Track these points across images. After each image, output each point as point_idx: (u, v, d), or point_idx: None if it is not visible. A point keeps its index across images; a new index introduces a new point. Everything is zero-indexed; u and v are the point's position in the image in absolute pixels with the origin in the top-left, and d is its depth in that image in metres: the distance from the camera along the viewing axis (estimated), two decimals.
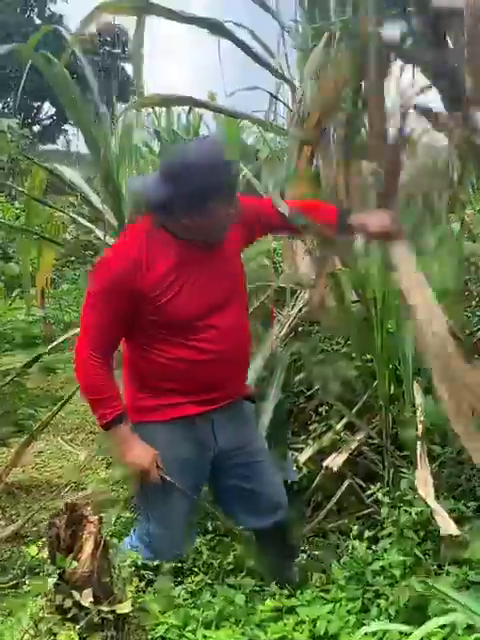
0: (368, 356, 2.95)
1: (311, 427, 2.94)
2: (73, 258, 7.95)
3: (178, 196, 1.77)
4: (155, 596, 1.79)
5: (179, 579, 2.15)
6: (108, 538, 1.59)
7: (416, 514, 2.02)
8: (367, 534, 2.19)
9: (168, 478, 1.96)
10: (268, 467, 2.21)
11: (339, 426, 2.77)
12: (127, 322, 1.91)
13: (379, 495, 2.02)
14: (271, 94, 5.21)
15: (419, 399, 2.48)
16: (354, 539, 2.06)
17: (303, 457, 2.72)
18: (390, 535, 2.18)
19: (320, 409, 3.01)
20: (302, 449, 2.82)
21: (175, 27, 2.90)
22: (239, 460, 2.09)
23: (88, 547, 1.55)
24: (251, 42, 4.00)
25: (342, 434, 2.71)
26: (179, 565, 2.38)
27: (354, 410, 2.84)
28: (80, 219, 4.15)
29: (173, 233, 1.89)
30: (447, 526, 1.88)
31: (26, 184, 3.84)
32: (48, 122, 30.39)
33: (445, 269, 3.80)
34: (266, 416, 2.65)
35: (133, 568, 1.68)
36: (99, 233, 3.72)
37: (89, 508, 1.62)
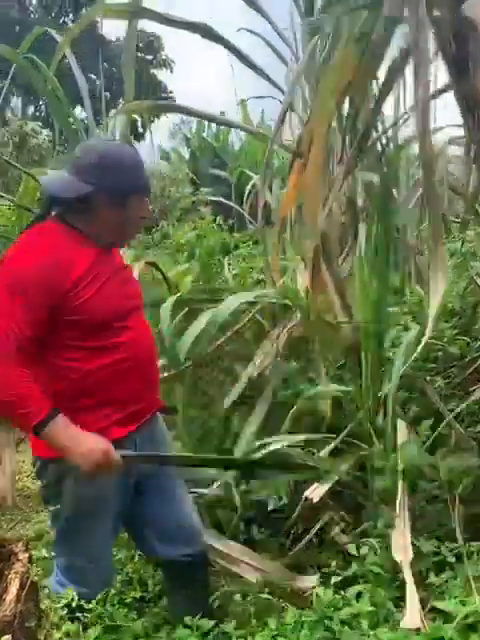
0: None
1: None
2: None
3: (100, 189, 1.76)
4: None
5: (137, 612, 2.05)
6: (37, 578, 1.45)
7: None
8: (343, 574, 2.07)
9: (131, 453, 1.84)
10: (184, 494, 2.15)
11: (323, 453, 2.62)
12: (43, 323, 1.74)
13: (342, 538, 1.86)
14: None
15: (401, 437, 2.31)
16: (321, 583, 1.92)
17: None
18: (363, 578, 2.05)
19: None
20: None
21: None
22: (158, 482, 2.02)
23: (14, 588, 1.44)
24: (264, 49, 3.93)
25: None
26: (142, 596, 2.28)
27: (340, 437, 2.68)
28: None
29: (83, 232, 1.83)
30: (413, 619, 1.69)
31: (18, 191, 3.78)
32: None
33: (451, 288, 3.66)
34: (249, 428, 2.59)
35: (66, 610, 1.54)
36: None
37: (21, 544, 1.50)
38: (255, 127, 19.13)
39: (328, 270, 2.83)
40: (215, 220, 7.03)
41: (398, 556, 1.87)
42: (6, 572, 1.46)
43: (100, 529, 1.96)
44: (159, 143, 23.00)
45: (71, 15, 27.41)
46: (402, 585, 1.94)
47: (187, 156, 21.77)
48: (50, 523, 2.04)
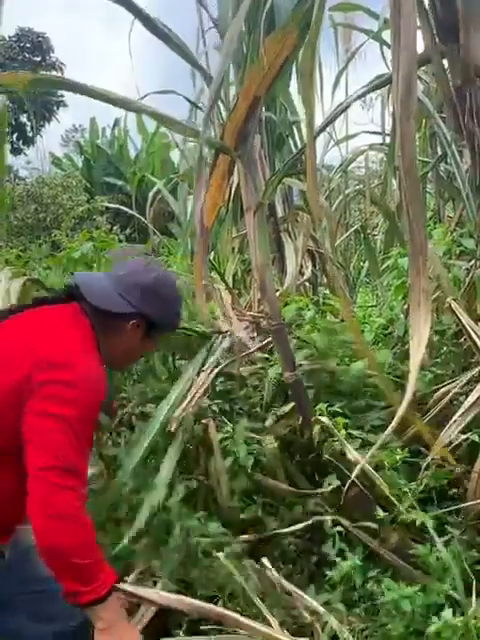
0: None
1: None
2: None
3: (140, 315, 1.65)
4: None
5: None
6: None
7: None
8: None
9: None
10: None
11: None
12: None
13: None
14: (189, 100, 4.63)
15: None
16: None
17: None
18: None
19: None
20: None
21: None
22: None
23: None
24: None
25: None
26: None
27: None
28: None
29: (98, 342, 1.60)
30: None
31: None
32: None
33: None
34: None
35: None
36: None
37: None
38: (151, 134, 18.63)
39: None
40: (112, 230, 6.37)
41: None
42: None
43: None
44: (49, 150, 21.93)
45: None
46: None
47: (80, 164, 20.80)
48: None
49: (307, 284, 4.09)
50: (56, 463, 1.36)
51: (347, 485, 1.95)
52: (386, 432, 1.49)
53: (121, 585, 1.58)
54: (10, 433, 1.41)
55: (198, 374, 2.59)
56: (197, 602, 1.66)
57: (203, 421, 2.36)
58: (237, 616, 1.60)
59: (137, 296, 1.63)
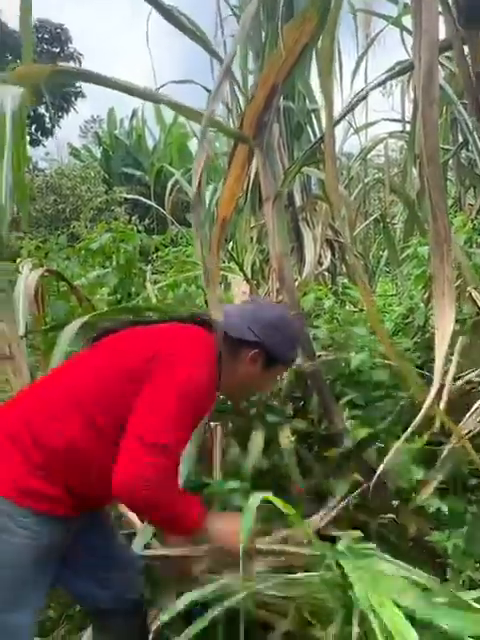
0: None
1: None
2: None
3: (261, 344, 1.75)
4: None
5: None
6: None
7: None
8: None
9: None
10: (119, 540, 1.92)
11: None
12: None
13: None
14: (207, 89, 4.61)
15: None
16: None
17: None
18: None
19: None
20: None
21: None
22: (90, 538, 1.74)
23: None
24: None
25: None
26: None
27: None
28: None
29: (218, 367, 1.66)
30: None
31: None
32: None
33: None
34: None
35: None
36: None
37: None
38: (169, 125, 18.59)
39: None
40: (130, 220, 6.39)
41: None
42: None
43: (32, 612, 1.54)
44: (68, 141, 22.01)
45: None
46: None
47: (98, 155, 20.87)
48: None
49: (326, 274, 4.07)
50: (149, 439, 1.44)
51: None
52: (413, 423, 1.48)
53: None
54: (117, 411, 1.51)
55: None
56: None
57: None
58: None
59: (259, 328, 1.76)
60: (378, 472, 1.63)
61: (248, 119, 2.34)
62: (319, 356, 2.57)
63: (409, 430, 1.56)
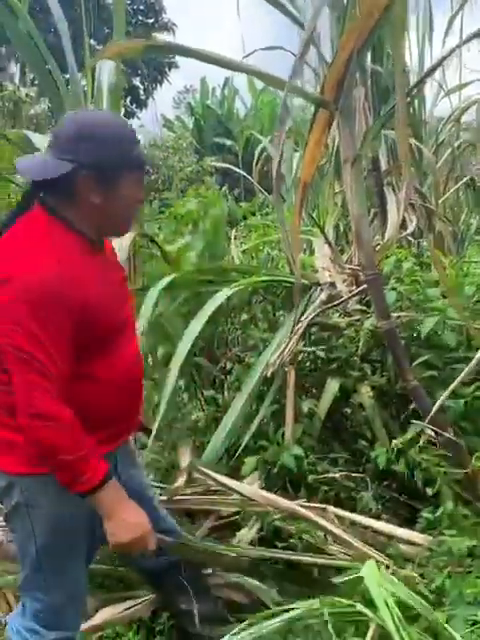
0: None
1: None
2: None
3: (80, 166, 1.41)
4: None
5: None
6: None
7: None
8: None
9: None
10: (157, 503, 1.96)
11: None
12: (71, 347, 1.43)
13: None
14: (294, 54, 4.61)
15: None
16: None
17: None
18: None
19: None
20: None
21: None
22: (135, 498, 1.64)
23: None
24: None
25: None
26: None
27: None
28: None
29: (71, 224, 1.48)
30: None
31: None
32: None
33: None
34: None
35: None
36: None
37: None
38: (259, 92, 18.47)
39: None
40: (221, 189, 6.53)
41: None
42: None
43: (79, 559, 1.65)
44: (161, 113, 22.37)
45: None
46: None
47: (191, 125, 21.11)
48: (20, 556, 1.65)
49: (411, 238, 4.04)
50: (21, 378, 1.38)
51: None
52: None
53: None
54: None
55: (296, 325, 2.71)
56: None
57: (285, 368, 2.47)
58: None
59: (70, 148, 1.42)
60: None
61: (328, 84, 2.39)
62: (398, 317, 2.62)
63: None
